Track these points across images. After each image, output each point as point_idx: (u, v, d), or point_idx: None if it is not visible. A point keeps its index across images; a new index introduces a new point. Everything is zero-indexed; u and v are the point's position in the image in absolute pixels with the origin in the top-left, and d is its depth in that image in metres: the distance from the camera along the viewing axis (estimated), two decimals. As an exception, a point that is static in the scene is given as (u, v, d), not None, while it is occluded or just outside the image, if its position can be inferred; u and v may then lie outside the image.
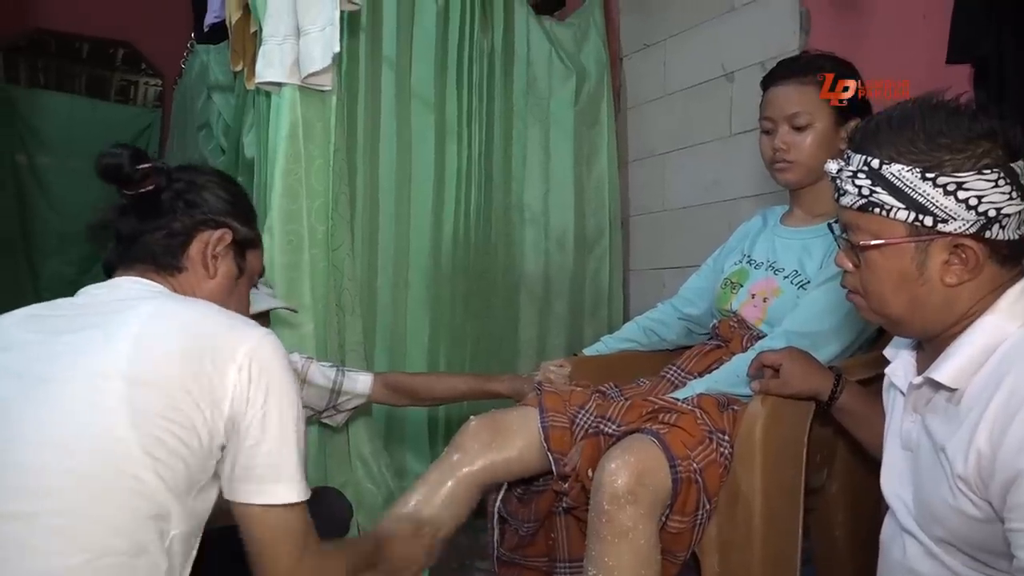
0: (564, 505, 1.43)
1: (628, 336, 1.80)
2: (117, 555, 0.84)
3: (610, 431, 1.38)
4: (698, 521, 1.28)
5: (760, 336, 1.52)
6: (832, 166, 1.00)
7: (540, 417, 1.45)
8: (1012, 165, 0.90)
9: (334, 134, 2.05)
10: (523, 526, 1.49)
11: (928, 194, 0.91)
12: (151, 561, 0.87)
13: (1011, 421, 0.84)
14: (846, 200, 0.97)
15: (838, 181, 0.99)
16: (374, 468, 2.16)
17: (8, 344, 0.94)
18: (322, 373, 1.74)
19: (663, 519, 1.26)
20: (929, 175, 0.91)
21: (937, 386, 0.95)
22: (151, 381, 0.88)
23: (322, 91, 2.01)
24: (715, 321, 1.66)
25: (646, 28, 2.82)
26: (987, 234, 0.90)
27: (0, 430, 0.87)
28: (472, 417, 1.48)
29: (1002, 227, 0.90)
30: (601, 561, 1.22)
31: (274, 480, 0.93)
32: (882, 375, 1.11)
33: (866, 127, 0.98)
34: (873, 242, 0.96)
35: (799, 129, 1.52)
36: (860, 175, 0.95)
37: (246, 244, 1.14)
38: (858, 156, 0.96)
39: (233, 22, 2.21)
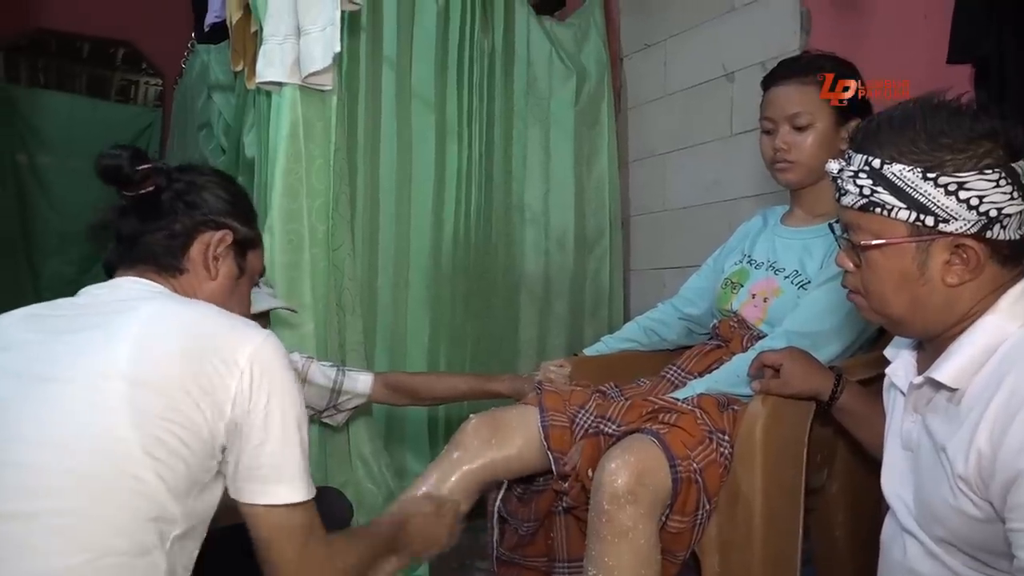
0: (564, 505, 1.43)
1: (628, 336, 1.80)
2: (118, 555, 0.84)
3: (610, 431, 1.38)
4: (698, 521, 1.28)
5: (760, 336, 1.51)
6: (833, 166, 1.00)
7: (540, 416, 1.45)
8: (1013, 165, 0.90)
9: (335, 134, 2.05)
10: (523, 526, 1.49)
11: (929, 194, 0.91)
12: (151, 561, 0.87)
13: (1011, 421, 0.84)
14: (847, 200, 0.97)
15: (839, 181, 0.99)
16: (374, 468, 2.16)
17: (8, 344, 0.94)
18: (322, 373, 1.74)
19: (663, 519, 1.26)
20: (930, 175, 0.91)
21: (938, 386, 0.95)
22: (151, 381, 0.88)
23: (323, 91, 2.01)
24: (715, 321, 1.66)
25: (646, 28, 2.81)
26: (988, 234, 0.90)
27: (0, 430, 0.87)
28: (472, 415, 1.48)
29: (1003, 227, 0.90)
30: (601, 561, 1.22)
31: (277, 481, 0.94)
32: (882, 375, 1.11)
33: (867, 127, 0.98)
34: (874, 242, 0.96)
35: (800, 129, 1.52)
36: (861, 175, 0.95)
37: (247, 244, 1.14)
38: (859, 156, 0.96)
39: (234, 22, 2.21)
